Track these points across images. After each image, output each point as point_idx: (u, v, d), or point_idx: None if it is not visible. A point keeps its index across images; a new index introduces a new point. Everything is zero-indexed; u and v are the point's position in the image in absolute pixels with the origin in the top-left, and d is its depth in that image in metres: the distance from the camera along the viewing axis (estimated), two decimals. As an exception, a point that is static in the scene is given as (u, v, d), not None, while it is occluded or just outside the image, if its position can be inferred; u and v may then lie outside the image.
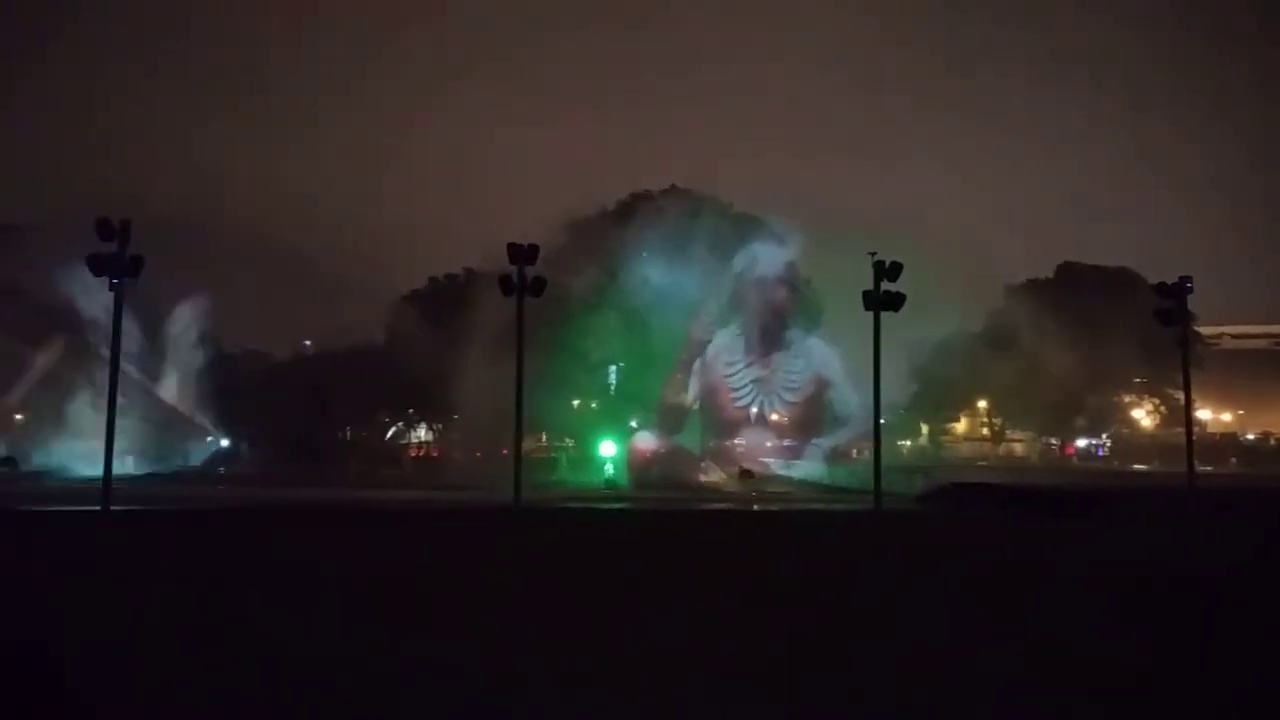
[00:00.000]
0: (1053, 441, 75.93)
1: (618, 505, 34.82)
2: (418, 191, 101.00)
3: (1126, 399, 74.40)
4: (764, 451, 58.03)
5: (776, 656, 9.04)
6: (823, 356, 61.74)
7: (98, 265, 28.23)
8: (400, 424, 72.52)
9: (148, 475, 46.34)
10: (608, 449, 57.50)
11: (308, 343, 70.52)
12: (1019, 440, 77.66)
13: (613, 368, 64.19)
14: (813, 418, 61.56)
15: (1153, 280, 36.52)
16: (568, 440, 67.74)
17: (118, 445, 30.07)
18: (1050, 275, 73.39)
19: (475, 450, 61.86)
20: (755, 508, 34.81)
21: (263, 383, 60.15)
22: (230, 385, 60.57)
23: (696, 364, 61.43)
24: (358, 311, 66.92)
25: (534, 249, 32.54)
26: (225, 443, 64.90)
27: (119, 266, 28.07)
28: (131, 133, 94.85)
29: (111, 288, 28.63)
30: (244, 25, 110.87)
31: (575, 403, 63.76)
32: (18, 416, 63.48)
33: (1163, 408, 72.20)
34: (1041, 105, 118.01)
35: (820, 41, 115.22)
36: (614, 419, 61.73)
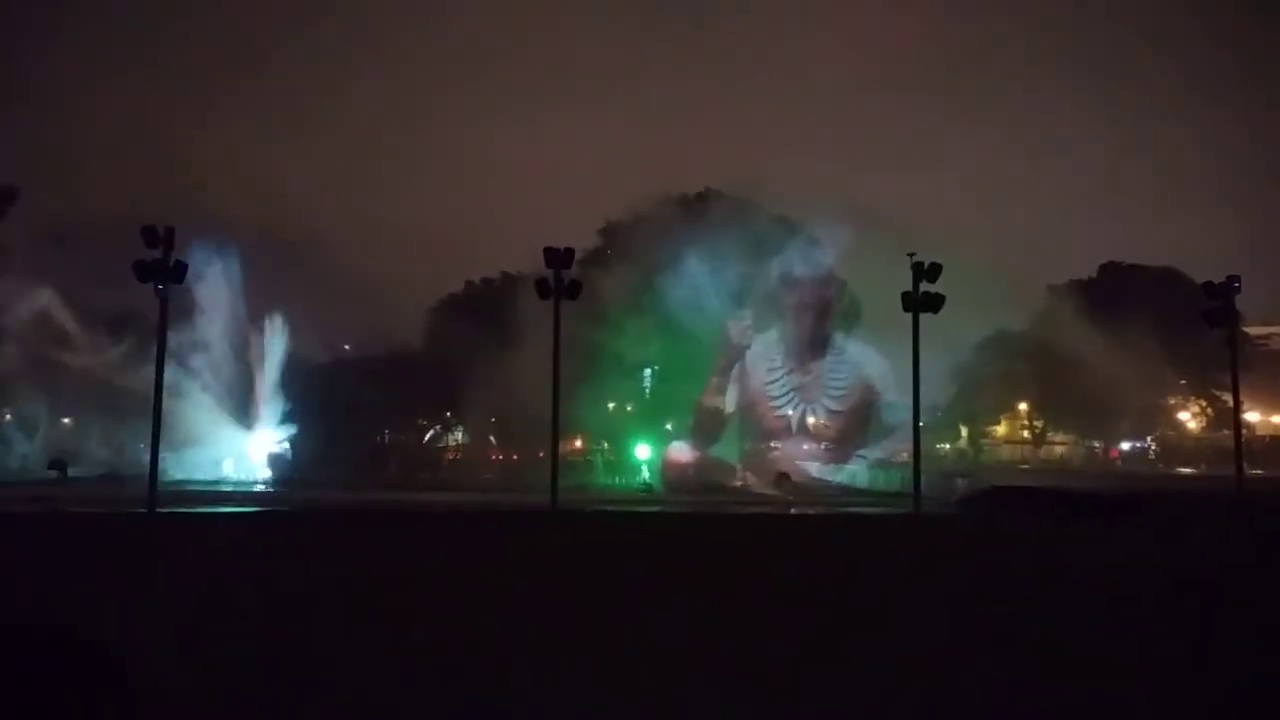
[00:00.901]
0: (1096, 444, 74.65)
1: (653, 509, 34.80)
2: (454, 196, 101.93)
3: (1172, 401, 72.91)
4: (802, 455, 57.21)
5: (791, 660, 8.96)
6: (870, 362, 59.04)
7: (144, 271, 28.86)
8: (438, 427, 73.08)
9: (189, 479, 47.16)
10: (643, 452, 57.50)
11: (347, 347, 71.31)
12: (1061, 443, 76.43)
13: (648, 371, 64.22)
14: (858, 427, 59.50)
15: (1199, 280, 35.84)
16: (603, 443, 67.93)
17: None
18: (1093, 275, 72.26)
19: (512, 453, 62.10)
20: (792, 511, 34.62)
21: (303, 387, 60.85)
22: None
23: (735, 370, 60.03)
24: (396, 316, 67.64)
25: (570, 253, 32.75)
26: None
27: (163, 272, 28.65)
28: (173, 139, 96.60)
29: (157, 293, 29.23)
30: (280, 30, 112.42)
31: (610, 405, 63.88)
32: (65, 420, 64.89)
33: (1209, 409, 70.73)
34: (1082, 102, 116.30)
35: (859, 42, 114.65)
36: (649, 422, 61.71)
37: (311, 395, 59.15)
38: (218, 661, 8.44)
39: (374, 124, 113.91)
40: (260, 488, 48.58)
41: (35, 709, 2.17)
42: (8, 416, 64.04)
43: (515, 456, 60.90)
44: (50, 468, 50.51)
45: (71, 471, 49.28)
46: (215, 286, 56.26)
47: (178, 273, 29.09)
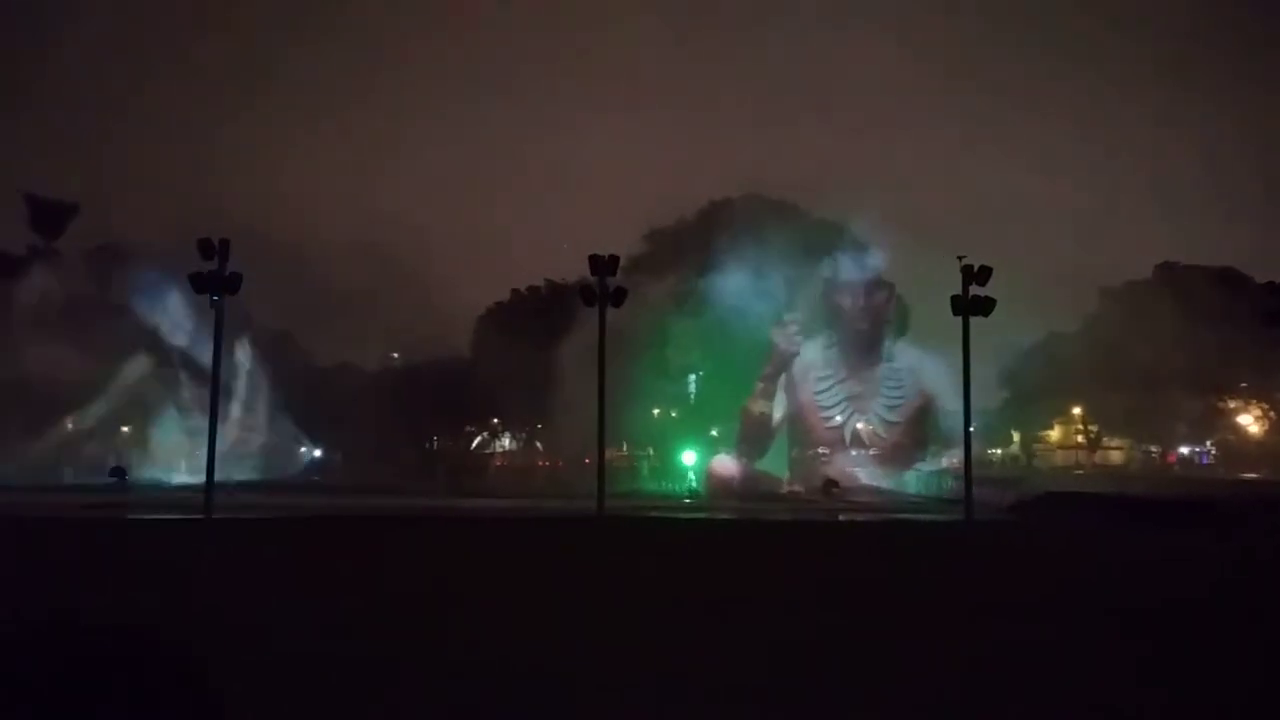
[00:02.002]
0: (1152, 449, 72.95)
1: (700, 515, 34.72)
2: (498, 205, 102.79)
3: (1232, 404, 70.98)
4: (853, 464, 56.30)
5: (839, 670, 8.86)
6: (926, 370, 56.42)
7: (199, 283, 29.54)
8: (485, 434, 73.79)
9: (239, 484, 47.98)
10: (689, 459, 57.39)
11: (395, 355, 72.29)
12: (1116, 448, 74.79)
13: (693, 376, 64.16)
14: (915, 437, 57.93)
15: (1260, 280, 34.88)
16: (648, 449, 68.01)
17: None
18: (1149, 276, 70.66)
19: (558, 459, 62.42)
20: (841, 518, 34.31)
21: (353, 395, 61.84)
22: (322, 397, 62.44)
23: (782, 378, 58.74)
24: (442, 324, 68.33)
25: (614, 260, 32.85)
26: (318, 453, 66.95)
27: (219, 284, 29.29)
28: (219, 150, 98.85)
29: (212, 305, 29.89)
30: (324, 42, 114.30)
31: (655, 412, 63.94)
32: (125, 429, 66.71)
33: (1271, 413, 68.77)
34: (1135, 99, 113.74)
35: (906, 42, 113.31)
36: (694, 428, 61.60)
37: (362, 403, 60.03)
38: (301, 660, 8.56)
39: (418, 134, 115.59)
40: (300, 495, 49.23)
41: (114, 708, 2.21)
42: (69, 425, 66.00)
43: (560, 463, 61.19)
44: (111, 474, 51.90)
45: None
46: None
47: (233, 284, 29.74)
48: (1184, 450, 72.40)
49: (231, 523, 27.24)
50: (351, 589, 13.82)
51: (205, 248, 29.23)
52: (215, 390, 30.93)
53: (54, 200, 64.31)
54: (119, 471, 52.89)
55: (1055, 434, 76.27)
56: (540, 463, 67.17)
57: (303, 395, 61.26)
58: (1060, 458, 73.30)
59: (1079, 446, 73.99)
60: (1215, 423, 71.27)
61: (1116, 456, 74.04)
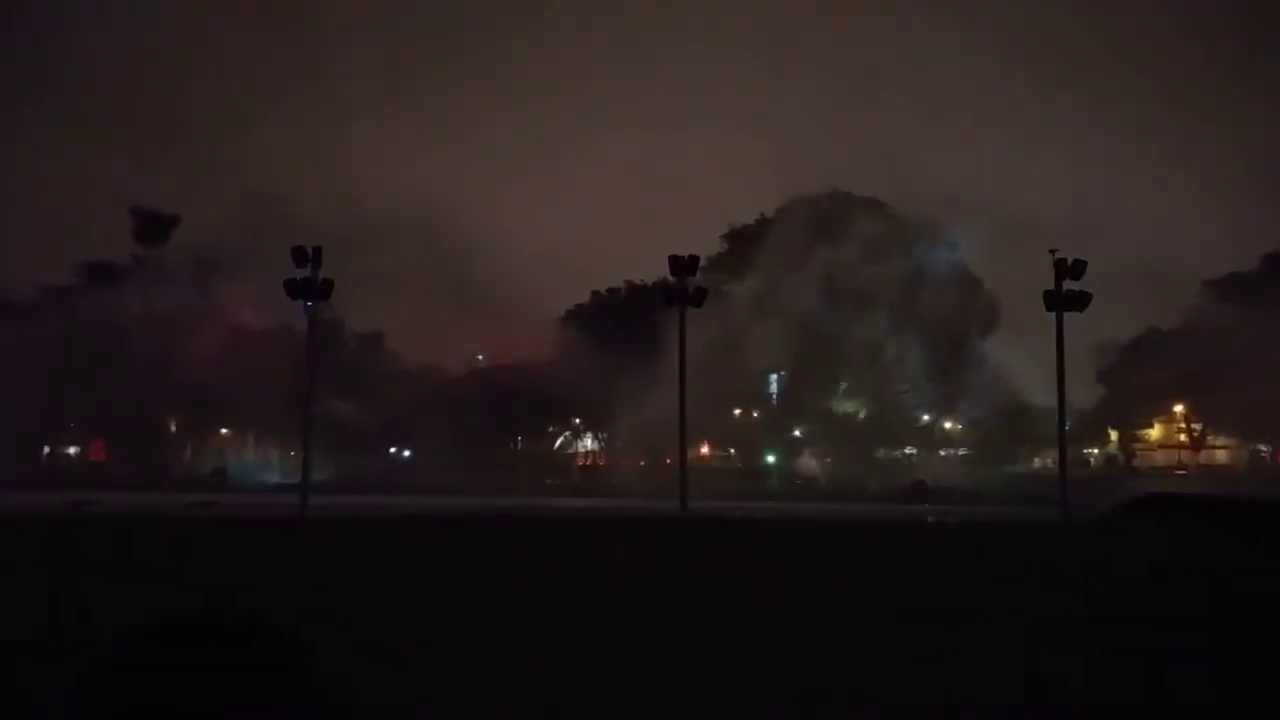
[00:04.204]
0: (1262, 449, 69.43)
1: (783, 514, 34.35)
2: (577, 206, 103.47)
3: (1350, 401, 67.14)
4: (940, 463, 55.17)
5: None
6: (1017, 368, 55.23)
7: (292, 289, 30.52)
8: (567, 434, 74.57)
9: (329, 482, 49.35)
10: (771, 458, 57.01)
11: (480, 357, 73.55)
12: (1223, 447, 71.40)
13: (774, 376, 63.71)
14: (1008, 438, 56.58)
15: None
16: (730, 449, 67.85)
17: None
18: (1255, 267, 67.32)
19: (639, 459, 62.71)
20: (929, 520, 33.56)
21: (439, 396, 63.16)
22: (410, 399, 63.91)
23: (868, 378, 57.95)
24: (525, 326, 69.14)
25: (694, 260, 32.84)
26: (407, 453, 68.56)
27: (312, 290, 30.21)
28: (304, 151, 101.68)
29: (306, 310, 30.83)
30: (400, 42, 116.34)
31: (737, 411, 63.71)
32: (224, 430, 69.57)
33: (1393, 409, 64.77)
34: (1240, 81, 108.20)
35: (995, 29, 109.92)
36: (777, 428, 61.14)
37: (447, 404, 61.29)
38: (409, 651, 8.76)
39: (494, 135, 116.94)
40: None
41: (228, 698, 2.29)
42: (173, 428, 69.10)
43: (642, 462, 61.43)
44: (212, 475, 54.25)
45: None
46: None
47: (325, 290, 30.65)
48: (1296, 449, 68.76)
49: (330, 521, 28.04)
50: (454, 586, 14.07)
51: (298, 255, 30.20)
52: (308, 394, 31.90)
53: (157, 211, 67.10)
54: (219, 472, 55.12)
55: (1155, 432, 73.17)
56: (622, 462, 67.53)
57: (391, 396, 62.77)
58: (1161, 457, 70.32)
59: (1181, 446, 70.82)
60: (1331, 420, 67.57)
61: (1223, 456, 70.69)
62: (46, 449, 68.36)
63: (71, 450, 69.74)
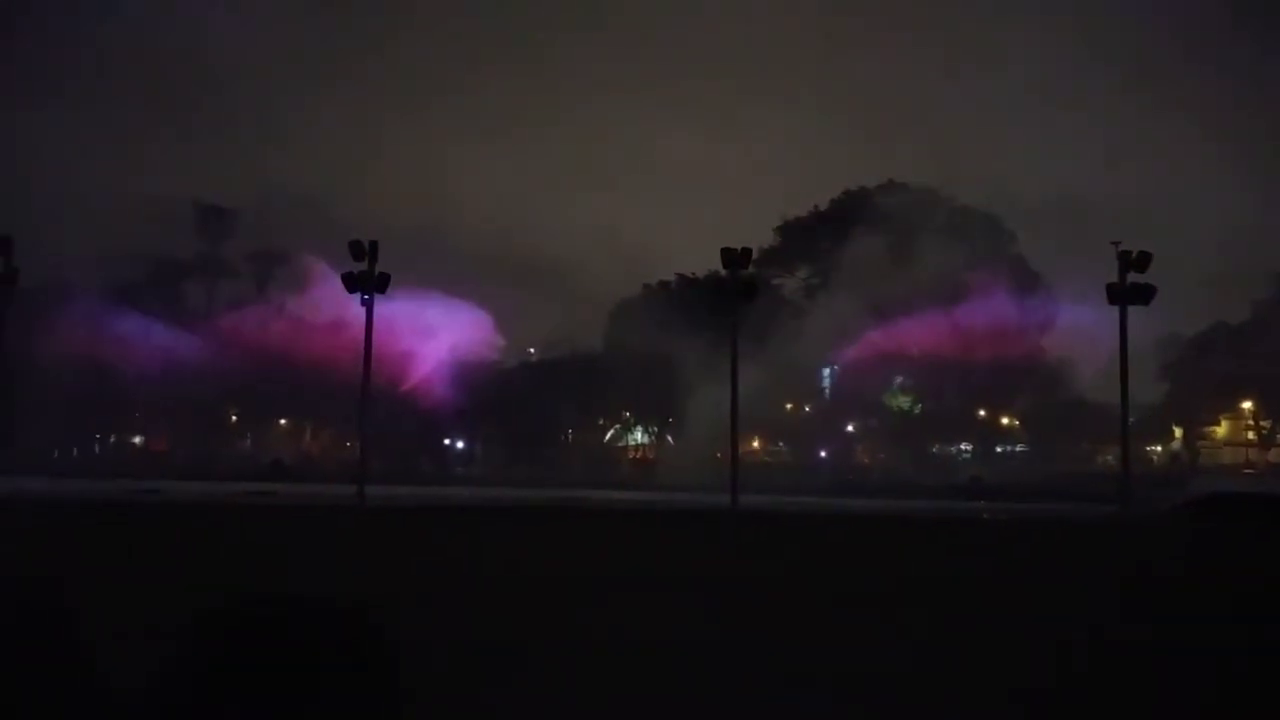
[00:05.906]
0: (1336, 448, 67.01)
1: (834, 509, 34.05)
2: (631, 200, 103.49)
3: None
4: (996, 457, 54.31)
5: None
6: (1074, 362, 54.74)
7: (350, 283, 31.04)
8: (618, 427, 74.75)
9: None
10: (821, 453, 56.58)
11: (531, 350, 74.07)
12: (1293, 446, 69.05)
13: (827, 370, 63.14)
14: (1067, 434, 55.27)
15: None
16: (779, 443, 67.44)
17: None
18: (1328, 259, 64.94)
19: (690, 453, 62.68)
20: (984, 516, 33.01)
21: (492, 389, 63.77)
22: (464, 391, 64.67)
23: (922, 371, 57.04)
24: (577, 319, 69.38)
25: (747, 253, 32.65)
26: (460, 445, 69.43)
27: (369, 284, 30.69)
28: (362, 146, 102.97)
29: (363, 303, 31.34)
30: (450, 39, 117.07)
31: (789, 406, 63.28)
32: (281, 421, 71.18)
33: None
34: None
35: (1062, 15, 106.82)
36: (829, 423, 60.64)
37: (502, 397, 61.91)
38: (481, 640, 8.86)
39: (550, 130, 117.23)
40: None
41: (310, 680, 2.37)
42: (233, 418, 70.81)
43: (692, 456, 61.41)
44: (271, 465, 55.47)
45: None
46: None
47: (382, 283, 31.12)
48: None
49: (389, 511, 28.48)
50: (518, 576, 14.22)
51: (356, 249, 30.70)
52: (365, 388, 32.42)
53: (220, 206, 68.61)
54: (278, 464, 56.31)
55: (1222, 430, 71.01)
56: (672, 456, 67.55)
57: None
58: (1228, 455, 68.23)
59: (1249, 443, 68.65)
60: None
61: (1293, 455, 68.40)
62: (112, 438, 70.71)
63: (136, 440, 71.89)
